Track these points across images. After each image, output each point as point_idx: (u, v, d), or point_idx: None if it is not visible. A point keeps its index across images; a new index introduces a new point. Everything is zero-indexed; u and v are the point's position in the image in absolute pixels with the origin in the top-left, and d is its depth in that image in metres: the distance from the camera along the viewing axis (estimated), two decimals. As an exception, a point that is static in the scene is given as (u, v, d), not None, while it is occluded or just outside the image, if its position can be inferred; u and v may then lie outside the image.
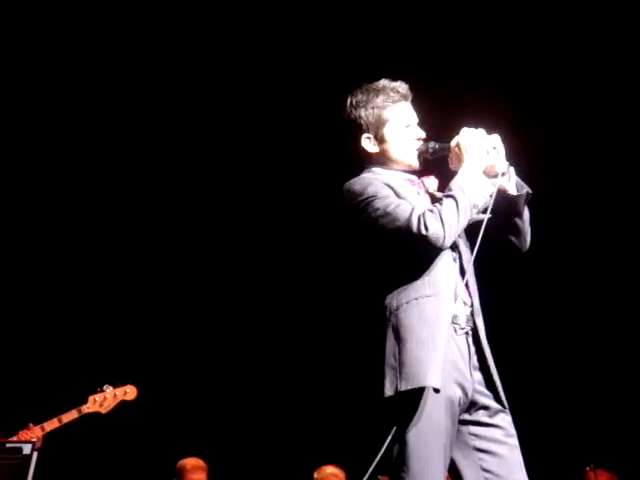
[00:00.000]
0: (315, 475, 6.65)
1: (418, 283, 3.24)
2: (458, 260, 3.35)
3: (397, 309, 3.22)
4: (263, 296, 7.80)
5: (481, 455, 3.25)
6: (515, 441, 3.29)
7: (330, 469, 6.64)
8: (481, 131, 3.36)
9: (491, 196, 3.30)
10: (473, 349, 3.30)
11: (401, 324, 3.20)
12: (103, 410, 5.40)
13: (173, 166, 7.62)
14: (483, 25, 7.22)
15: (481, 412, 3.28)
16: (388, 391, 3.15)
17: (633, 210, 7.62)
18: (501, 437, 3.27)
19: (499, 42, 7.22)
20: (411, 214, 3.20)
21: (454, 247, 3.34)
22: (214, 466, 6.55)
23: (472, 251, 3.32)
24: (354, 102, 3.48)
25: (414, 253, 3.23)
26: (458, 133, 3.40)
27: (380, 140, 3.45)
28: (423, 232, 3.16)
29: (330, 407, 7.43)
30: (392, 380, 3.15)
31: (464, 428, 3.23)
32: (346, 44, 7.14)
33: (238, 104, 7.47)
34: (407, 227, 3.18)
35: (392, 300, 3.24)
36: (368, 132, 3.46)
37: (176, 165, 7.62)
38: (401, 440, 3.14)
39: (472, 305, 3.35)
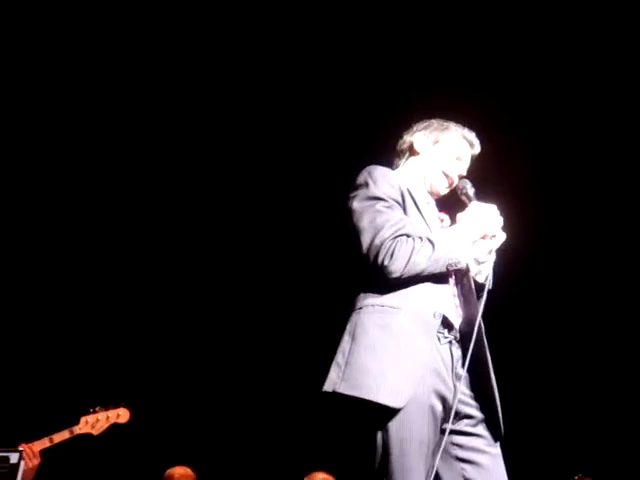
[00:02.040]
0: (305, 481, 6.68)
1: (387, 291, 3.27)
2: (447, 278, 3.38)
3: (360, 309, 3.26)
4: (247, 305, 7.80)
5: (463, 465, 3.25)
6: (498, 450, 3.30)
7: (321, 475, 6.66)
8: (493, 208, 3.43)
9: (490, 266, 3.40)
10: (457, 358, 3.30)
11: (359, 325, 3.23)
12: (95, 432, 5.36)
13: (167, 166, 7.61)
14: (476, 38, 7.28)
15: (464, 422, 3.28)
16: (326, 386, 3.20)
17: (625, 211, 7.68)
18: (483, 447, 3.28)
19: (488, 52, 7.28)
20: (383, 239, 3.24)
21: None
22: (202, 475, 6.56)
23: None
24: (437, 118, 3.66)
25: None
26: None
27: (432, 145, 3.58)
28: (385, 262, 3.22)
29: (319, 414, 7.43)
30: (333, 377, 3.20)
31: (447, 437, 3.22)
32: (342, 45, 7.18)
33: (237, 104, 7.48)
34: (374, 247, 3.24)
35: (360, 298, 3.29)
36: (427, 136, 3.60)
37: (170, 165, 7.61)
38: (383, 449, 3.14)
39: (463, 315, 3.36)
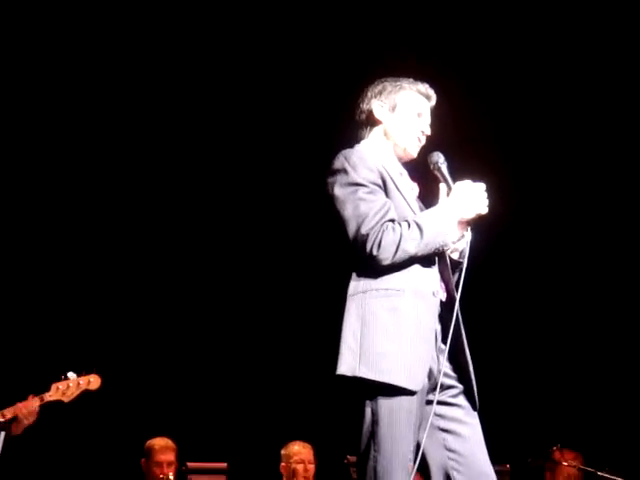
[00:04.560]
0: (282, 451, 6.67)
1: (388, 273, 3.26)
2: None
3: (365, 292, 3.25)
4: (229, 272, 7.78)
5: (445, 435, 3.29)
6: (476, 420, 3.34)
7: (297, 445, 6.67)
8: (481, 186, 3.40)
9: (467, 242, 3.38)
10: (439, 332, 3.32)
11: (367, 309, 3.23)
12: (66, 399, 5.21)
13: (154, 162, 7.60)
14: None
15: (446, 392, 3.31)
16: (342, 370, 3.18)
17: (595, 177, 7.72)
18: (463, 417, 3.32)
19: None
20: (369, 229, 3.22)
21: None
22: (182, 445, 6.56)
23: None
24: (383, 78, 3.59)
25: None
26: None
27: (391, 110, 3.51)
28: (374, 252, 3.20)
29: (297, 384, 7.44)
30: (349, 361, 3.18)
31: (428, 408, 3.25)
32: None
33: (231, 102, 7.49)
34: (360, 237, 3.22)
35: (361, 282, 3.27)
36: (384, 101, 3.52)
37: (158, 161, 7.60)
38: (373, 420, 3.17)
39: (446, 291, 3.37)
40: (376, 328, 3.20)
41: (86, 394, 5.23)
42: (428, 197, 3.55)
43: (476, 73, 7.35)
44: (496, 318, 7.50)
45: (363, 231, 3.22)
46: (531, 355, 7.78)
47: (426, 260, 3.31)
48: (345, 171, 3.32)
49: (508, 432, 6.96)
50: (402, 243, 3.21)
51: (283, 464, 6.65)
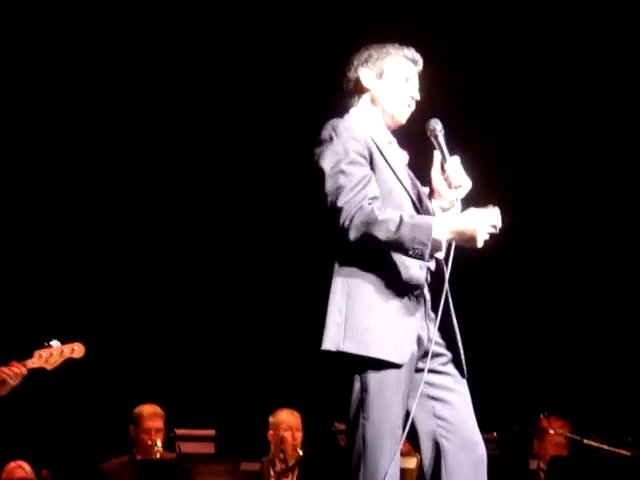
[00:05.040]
0: (270, 419, 6.69)
1: (374, 246, 3.22)
2: None
3: (350, 267, 3.22)
4: (215, 243, 7.79)
5: (434, 403, 3.28)
6: (465, 388, 3.34)
7: (285, 413, 6.68)
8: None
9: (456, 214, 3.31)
10: (429, 300, 3.31)
11: (354, 283, 3.20)
12: (48, 366, 5.12)
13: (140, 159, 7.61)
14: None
15: (435, 360, 3.29)
16: (327, 345, 3.17)
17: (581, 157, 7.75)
18: (452, 385, 3.31)
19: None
20: (344, 202, 3.17)
21: (417, 211, 3.33)
22: (171, 412, 6.56)
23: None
24: (369, 45, 3.53)
25: None
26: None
27: (378, 77, 3.46)
28: (345, 225, 3.16)
29: (285, 351, 7.46)
30: (333, 336, 3.16)
31: (418, 376, 3.25)
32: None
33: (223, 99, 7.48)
34: (336, 209, 3.19)
35: (346, 257, 3.23)
36: (371, 68, 3.47)
37: (145, 150, 7.62)
38: (362, 389, 3.17)
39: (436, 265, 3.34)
40: (362, 302, 3.19)
41: (72, 362, 5.20)
42: (420, 164, 3.51)
43: (466, 41, 7.33)
44: (484, 286, 7.51)
45: (339, 204, 3.18)
46: (519, 323, 7.81)
47: None
48: (331, 140, 3.28)
49: (495, 400, 6.99)
50: (372, 227, 3.14)
51: (271, 432, 6.66)
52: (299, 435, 6.61)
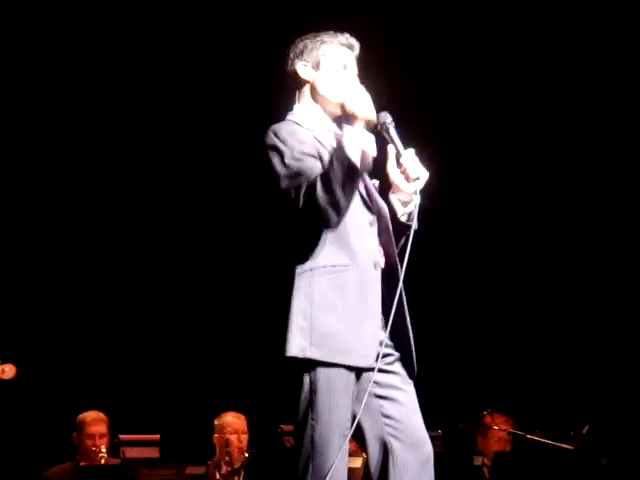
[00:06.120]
0: (215, 422, 6.68)
1: (333, 248, 3.20)
2: (375, 223, 3.32)
3: (312, 270, 3.18)
4: (163, 245, 7.75)
5: (381, 402, 3.27)
6: (412, 387, 3.33)
7: (230, 416, 6.67)
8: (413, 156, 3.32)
9: (415, 206, 3.32)
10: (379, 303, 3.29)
11: (316, 287, 3.17)
12: None
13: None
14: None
15: (382, 360, 3.27)
16: (293, 351, 3.13)
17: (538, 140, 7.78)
18: (399, 384, 3.31)
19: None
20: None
21: (369, 209, 3.31)
22: (115, 418, 6.52)
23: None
24: (303, 36, 3.48)
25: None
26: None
27: (315, 68, 3.42)
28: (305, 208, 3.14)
29: (230, 354, 7.44)
30: (300, 342, 3.13)
31: (365, 375, 3.23)
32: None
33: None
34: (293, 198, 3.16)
35: (306, 260, 3.19)
36: (307, 60, 3.42)
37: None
38: (311, 389, 3.15)
39: (387, 257, 3.33)
40: (325, 307, 3.16)
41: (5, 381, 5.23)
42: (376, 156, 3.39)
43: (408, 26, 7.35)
44: (425, 284, 7.54)
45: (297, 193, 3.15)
46: (460, 321, 7.86)
47: (363, 227, 3.27)
48: (276, 148, 3.23)
49: (439, 398, 7.02)
50: (317, 183, 3.10)
51: (216, 435, 6.65)
52: (245, 438, 6.61)
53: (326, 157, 3.23)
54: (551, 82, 7.66)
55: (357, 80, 3.44)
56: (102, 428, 6.40)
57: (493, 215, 7.86)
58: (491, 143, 7.77)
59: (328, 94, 3.41)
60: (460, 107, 7.61)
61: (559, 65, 7.61)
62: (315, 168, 3.19)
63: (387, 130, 3.36)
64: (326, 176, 3.12)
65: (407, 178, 3.32)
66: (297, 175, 3.17)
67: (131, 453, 5.99)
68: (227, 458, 6.51)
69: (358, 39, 3.48)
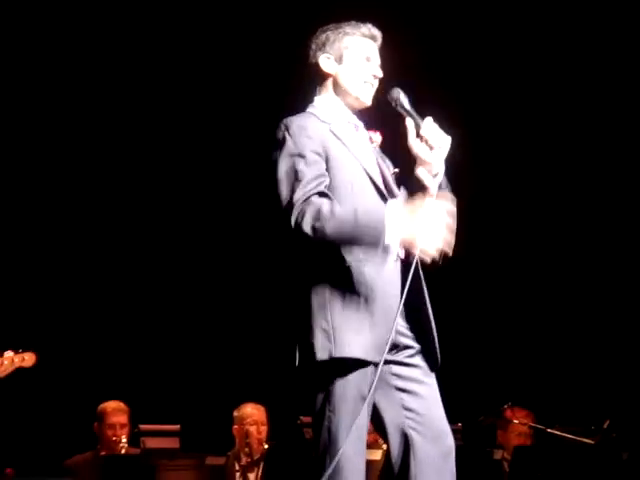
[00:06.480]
0: (235, 413, 6.69)
1: (347, 246, 3.17)
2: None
3: (325, 270, 3.18)
4: (182, 241, 7.77)
5: (402, 395, 3.26)
6: (433, 380, 3.32)
7: (250, 407, 6.68)
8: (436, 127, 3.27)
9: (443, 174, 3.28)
10: (404, 295, 3.23)
11: (335, 287, 3.16)
12: None
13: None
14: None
15: (403, 352, 3.28)
16: (320, 355, 3.13)
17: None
18: (421, 377, 3.29)
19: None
20: (295, 200, 3.12)
21: (385, 199, 3.27)
22: (135, 408, 6.54)
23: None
24: (324, 27, 3.45)
25: None
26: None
27: (338, 61, 3.39)
28: (298, 223, 3.11)
29: (250, 346, 7.45)
30: (324, 344, 3.13)
31: (386, 368, 3.22)
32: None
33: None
34: (288, 208, 3.14)
35: (321, 258, 3.19)
36: (329, 53, 3.40)
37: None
38: (328, 381, 3.15)
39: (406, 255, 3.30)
40: (342, 304, 3.15)
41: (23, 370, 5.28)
42: (396, 139, 3.40)
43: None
44: (449, 278, 7.51)
45: (292, 202, 3.13)
46: (482, 314, 7.84)
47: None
48: (285, 141, 3.23)
49: (460, 391, 7.00)
50: (323, 222, 3.08)
51: (236, 426, 6.66)
52: (264, 429, 6.61)
53: (333, 152, 3.23)
54: (567, 81, 7.63)
55: (380, 71, 3.42)
56: (123, 418, 6.43)
57: (520, 210, 7.84)
58: (502, 146, 7.77)
59: (350, 87, 3.40)
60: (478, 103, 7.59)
61: (575, 67, 7.59)
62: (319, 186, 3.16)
63: (401, 105, 3.34)
64: (347, 229, 3.10)
65: (430, 148, 3.27)
66: (292, 188, 3.16)
67: (151, 443, 6.00)
68: (247, 449, 6.52)
69: (377, 25, 3.45)
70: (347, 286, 3.17)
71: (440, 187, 3.29)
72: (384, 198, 3.29)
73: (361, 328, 3.14)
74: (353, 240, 3.13)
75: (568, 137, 7.75)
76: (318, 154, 3.24)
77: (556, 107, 7.69)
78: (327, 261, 3.18)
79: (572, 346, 7.78)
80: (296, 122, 3.28)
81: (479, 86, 7.56)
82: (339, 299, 3.16)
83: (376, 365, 3.16)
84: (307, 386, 3.22)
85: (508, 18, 7.46)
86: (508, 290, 7.88)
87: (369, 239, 3.12)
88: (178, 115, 7.57)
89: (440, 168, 3.29)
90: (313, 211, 3.10)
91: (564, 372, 7.70)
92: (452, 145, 3.28)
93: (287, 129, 3.25)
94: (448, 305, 7.34)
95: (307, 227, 3.09)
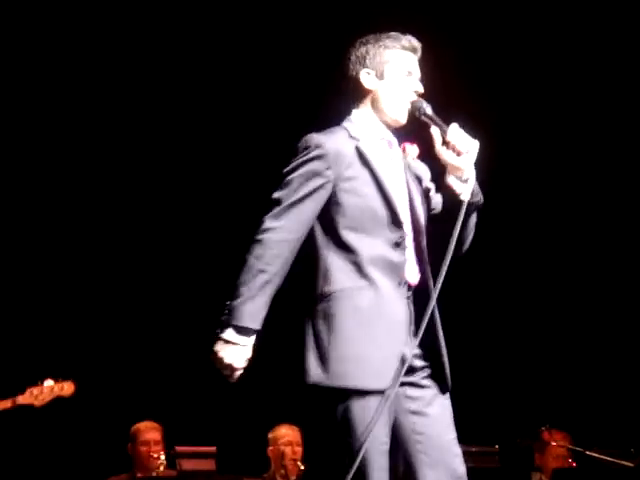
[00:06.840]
0: (270, 435, 6.67)
1: (349, 270, 3.16)
2: (404, 239, 3.24)
3: (330, 295, 3.16)
4: (206, 254, 7.76)
5: (414, 418, 3.21)
6: (447, 401, 3.27)
7: (284, 428, 6.66)
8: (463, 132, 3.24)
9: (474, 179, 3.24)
10: (412, 313, 3.23)
11: (332, 313, 3.14)
12: (37, 403, 5.34)
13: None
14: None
15: (417, 375, 3.23)
16: (311, 379, 3.14)
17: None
18: (433, 398, 3.24)
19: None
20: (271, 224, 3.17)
21: (399, 225, 3.23)
22: (171, 430, 6.55)
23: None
24: (364, 39, 3.38)
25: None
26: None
27: (379, 77, 3.33)
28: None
29: (284, 367, 7.42)
30: (316, 371, 3.13)
31: (401, 390, 3.18)
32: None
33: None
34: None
35: (323, 283, 3.18)
36: (370, 68, 3.34)
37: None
38: (345, 404, 3.11)
39: (422, 273, 3.26)
40: (341, 331, 3.13)
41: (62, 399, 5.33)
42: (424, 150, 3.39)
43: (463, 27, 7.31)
44: (485, 297, 7.47)
45: (262, 220, 3.20)
46: (519, 336, 7.78)
47: (390, 248, 3.20)
48: (296, 157, 3.21)
49: (497, 413, 6.98)
50: (248, 261, 3.21)
51: (271, 447, 6.64)
52: (299, 450, 6.59)
53: (351, 172, 3.21)
54: (573, 83, 7.58)
55: (421, 86, 3.36)
56: (156, 435, 6.44)
57: (544, 221, 7.78)
58: (502, 148, 7.71)
59: (390, 104, 3.34)
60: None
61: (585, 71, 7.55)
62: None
63: (425, 113, 3.30)
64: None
65: (458, 153, 3.22)
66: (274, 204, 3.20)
67: (187, 465, 6.00)
68: (282, 471, 6.51)
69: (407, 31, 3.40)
70: (345, 312, 3.14)
71: (472, 194, 3.25)
72: (398, 224, 3.24)
73: (357, 355, 3.11)
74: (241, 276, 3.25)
75: (569, 137, 7.68)
76: (317, 174, 3.19)
77: (558, 107, 7.61)
78: (327, 286, 3.17)
79: (610, 367, 7.70)
80: (315, 139, 3.23)
81: (491, 91, 7.52)
82: (337, 325, 3.13)
83: (380, 392, 3.12)
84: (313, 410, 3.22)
85: (508, 18, 7.42)
86: (547, 310, 7.82)
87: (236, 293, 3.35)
88: (194, 120, 7.54)
89: (471, 173, 3.24)
90: (256, 249, 3.18)
91: (602, 393, 7.62)
92: (480, 149, 3.24)
93: (306, 144, 3.22)
94: (488, 326, 7.37)
95: (248, 255, 3.18)
